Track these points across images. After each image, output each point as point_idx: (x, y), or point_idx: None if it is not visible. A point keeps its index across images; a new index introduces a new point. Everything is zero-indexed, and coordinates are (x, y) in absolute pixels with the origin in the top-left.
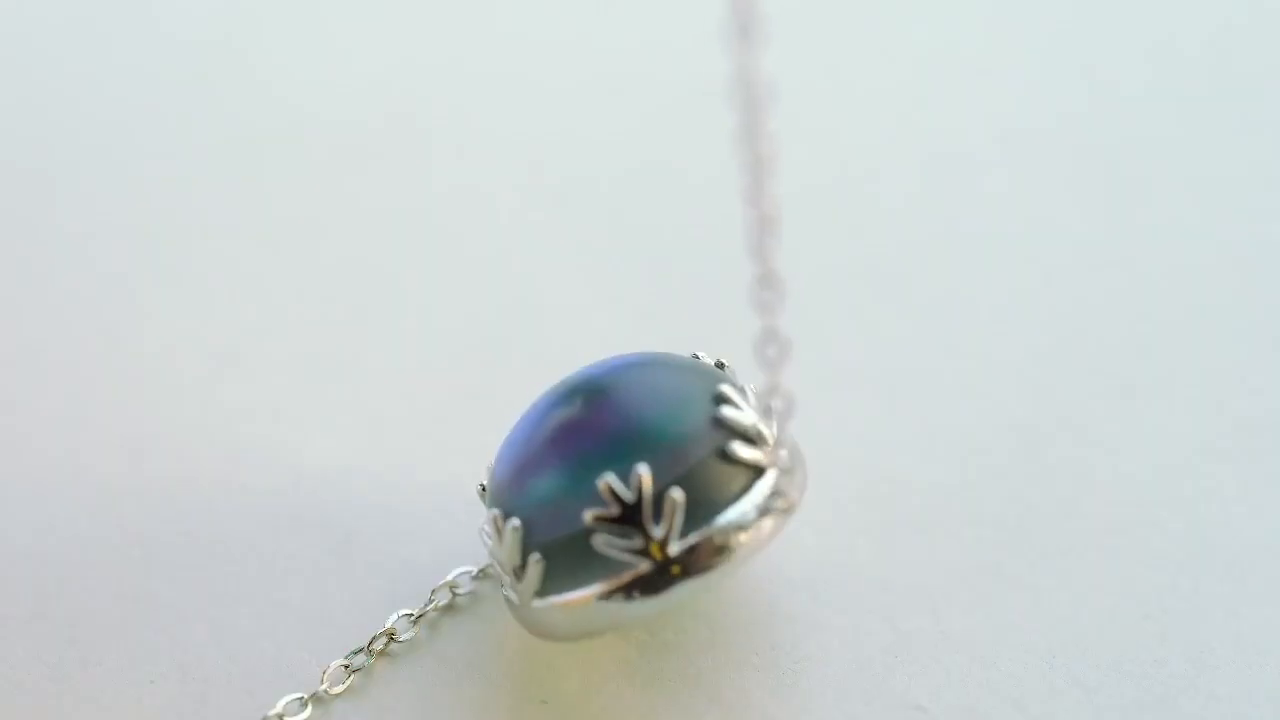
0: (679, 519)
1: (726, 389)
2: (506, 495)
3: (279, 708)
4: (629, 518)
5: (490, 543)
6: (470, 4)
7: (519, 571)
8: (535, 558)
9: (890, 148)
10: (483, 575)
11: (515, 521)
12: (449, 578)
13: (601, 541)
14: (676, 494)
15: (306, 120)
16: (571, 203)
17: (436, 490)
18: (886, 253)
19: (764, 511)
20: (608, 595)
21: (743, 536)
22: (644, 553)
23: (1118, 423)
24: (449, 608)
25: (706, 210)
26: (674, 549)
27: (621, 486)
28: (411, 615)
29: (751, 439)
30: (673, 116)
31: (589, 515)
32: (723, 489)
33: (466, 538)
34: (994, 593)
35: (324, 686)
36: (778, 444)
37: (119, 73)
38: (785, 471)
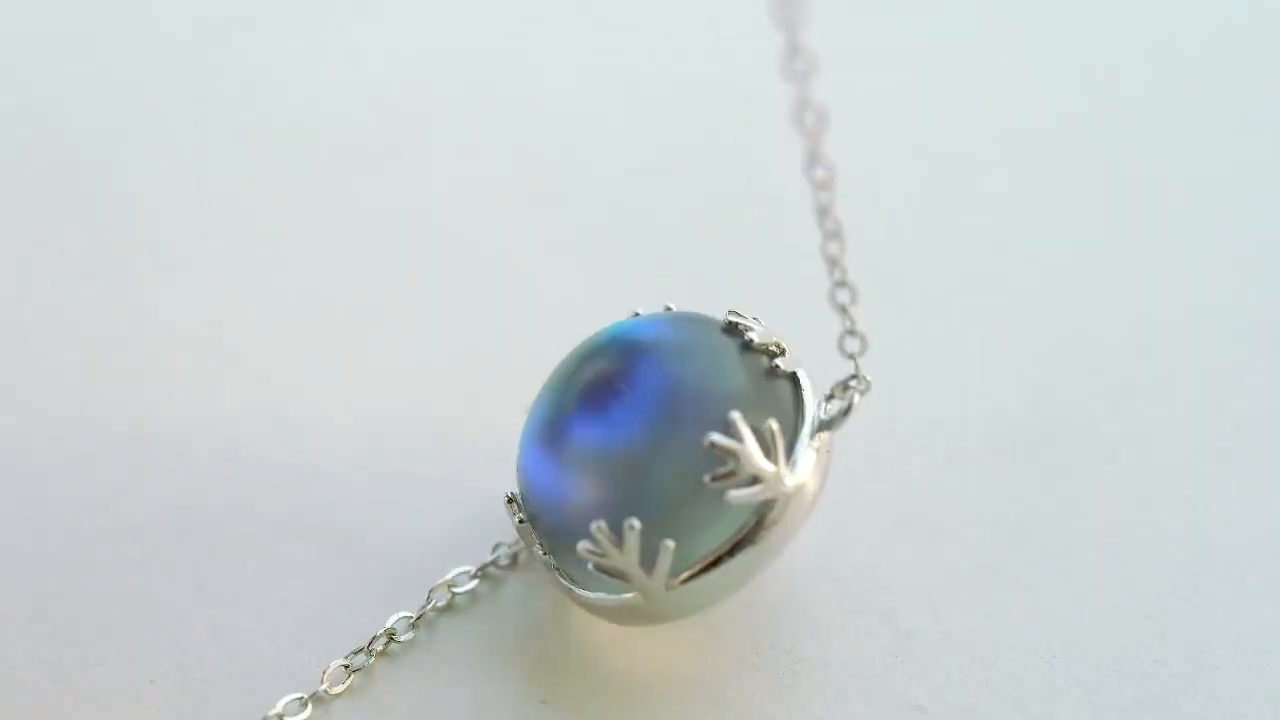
0: (783, 447)
1: (732, 317)
2: (575, 499)
3: (279, 708)
4: (746, 464)
5: (595, 553)
6: (470, 5)
7: (648, 567)
8: (667, 544)
9: (890, 148)
10: (483, 575)
11: (634, 521)
12: (447, 577)
13: (734, 495)
14: (773, 424)
15: (307, 120)
16: (573, 202)
17: (437, 490)
18: (886, 253)
19: (847, 403)
20: (742, 544)
21: (827, 434)
22: (773, 487)
23: (1118, 423)
24: (448, 608)
25: (709, 208)
26: (791, 474)
27: (727, 440)
28: (411, 617)
29: (780, 350)
30: (674, 115)
31: (708, 478)
32: (785, 401)
33: (467, 537)
34: (994, 593)
35: (324, 686)
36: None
37: (119, 73)
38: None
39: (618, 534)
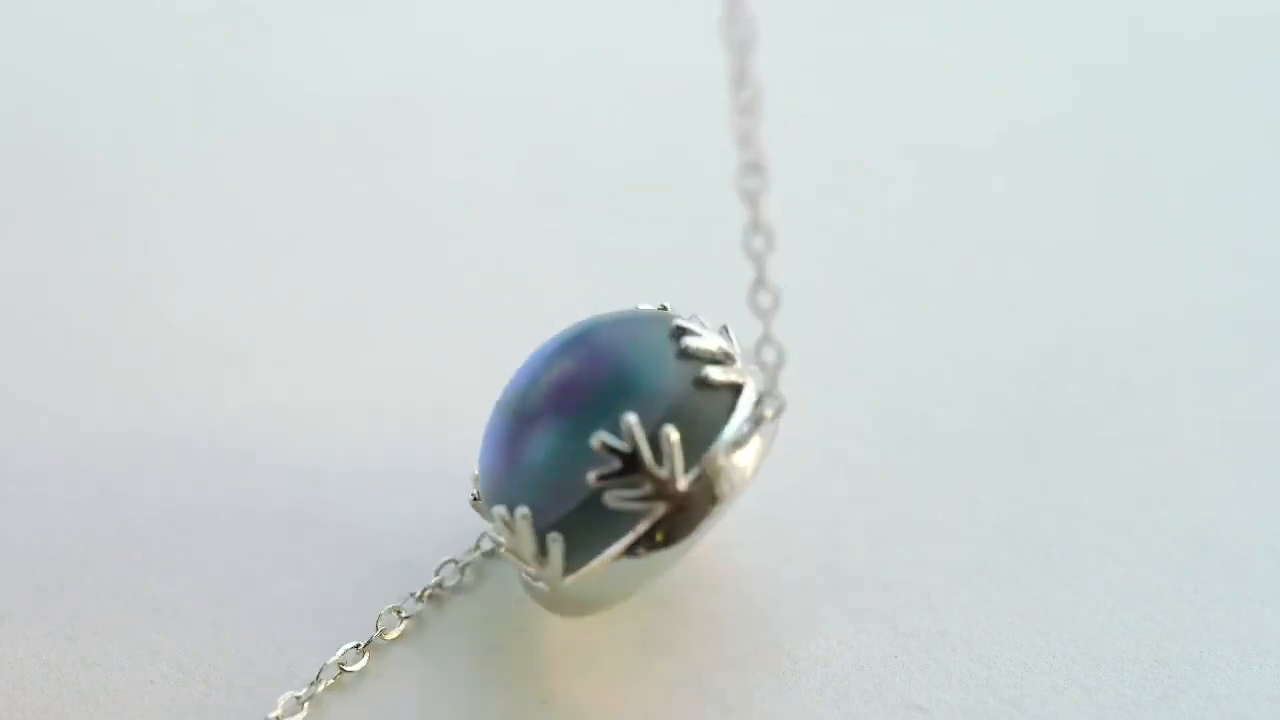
0: (679, 455)
1: (682, 322)
2: (503, 487)
3: (279, 708)
4: (632, 468)
5: (503, 540)
6: (471, 4)
7: (540, 557)
8: (553, 537)
9: (890, 147)
10: (467, 568)
11: (523, 509)
12: (436, 577)
13: (613, 498)
14: (670, 431)
15: (308, 120)
16: (576, 201)
17: (439, 489)
18: (886, 253)
19: (757, 421)
20: (634, 549)
21: (743, 453)
22: (657, 496)
23: (1118, 422)
24: (441, 606)
25: (713, 202)
26: (683, 484)
27: (615, 440)
28: (398, 610)
29: (720, 360)
30: (678, 113)
31: (593, 477)
32: (711, 414)
33: (470, 537)
34: (994, 593)
35: (323, 686)
36: (760, 349)
37: (120, 69)
38: (769, 374)
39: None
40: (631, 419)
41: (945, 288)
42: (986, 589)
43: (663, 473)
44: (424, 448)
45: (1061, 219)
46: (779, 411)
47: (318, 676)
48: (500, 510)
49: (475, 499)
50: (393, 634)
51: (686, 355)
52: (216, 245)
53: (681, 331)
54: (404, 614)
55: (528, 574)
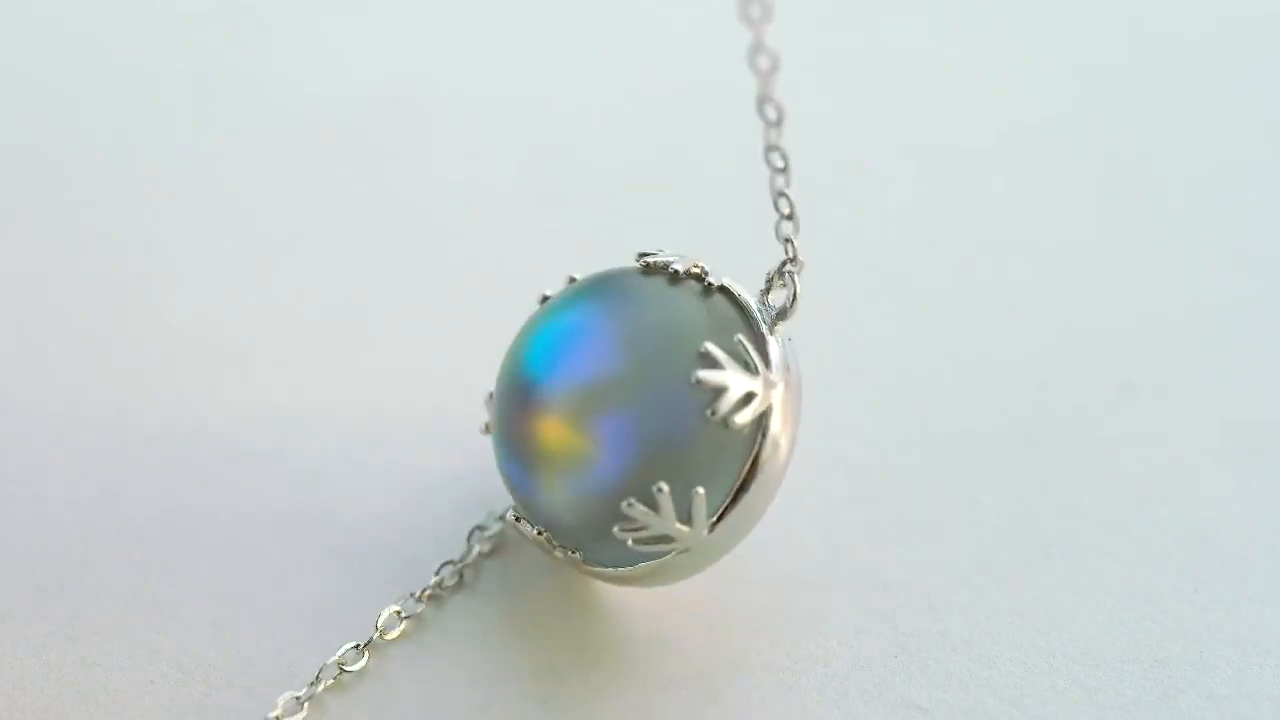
0: (756, 354)
1: (646, 258)
2: (614, 475)
3: (279, 708)
4: (736, 386)
5: (634, 529)
6: (472, 3)
7: (685, 520)
8: (698, 492)
9: (890, 147)
10: (461, 570)
11: (661, 484)
12: (436, 577)
13: (739, 419)
14: (739, 337)
15: (307, 120)
16: (573, 200)
17: (439, 489)
18: (886, 253)
19: (778, 286)
20: (758, 461)
21: (784, 324)
22: (766, 396)
23: (1117, 423)
24: (442, 604)
25: (713, 202)
26: (775, 375)
27: (712, 372)
28: (398, 609)
29: (703, 270)
30: (680, 114)
31: (710, 413)
32: (734, 312)
33: (466, 536)
34: (994, 593)
35: (323, 686)
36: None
37: (120, 69)
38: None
39: (647, 504)
40: (710, 346)
41: (945, 288)
42: (986, 589)
43: (758, 380)
44: (424, 448)
45: (1061, 219)
46: (800, 269)
47: (318, 676)
48: (631, 502)
49: (540, 534)
50: (393, 634)
51: (679, 278)
52: (216, 245)
53: (653, 265)
54: (404, 614)
55: (657, 551)
